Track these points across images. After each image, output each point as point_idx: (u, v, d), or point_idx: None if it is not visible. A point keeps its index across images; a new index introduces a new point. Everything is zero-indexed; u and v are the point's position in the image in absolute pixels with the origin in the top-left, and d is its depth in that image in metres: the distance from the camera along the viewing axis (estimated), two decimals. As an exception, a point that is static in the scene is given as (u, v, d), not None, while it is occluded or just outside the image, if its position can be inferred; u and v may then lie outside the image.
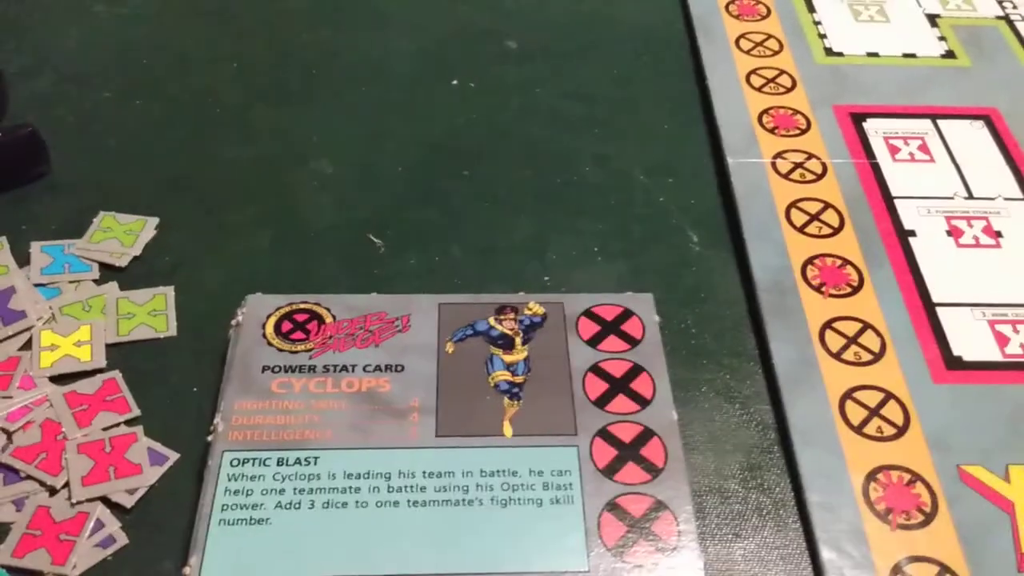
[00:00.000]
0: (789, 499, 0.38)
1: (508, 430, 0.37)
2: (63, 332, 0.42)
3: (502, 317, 0.41)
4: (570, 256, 0.47)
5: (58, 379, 0.41)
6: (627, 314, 0.41)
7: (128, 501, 0.37)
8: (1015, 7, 0.60)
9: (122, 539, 0.36)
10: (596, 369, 0.39)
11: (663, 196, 0.50)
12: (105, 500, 0.37)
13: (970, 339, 0.42)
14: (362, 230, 0.47)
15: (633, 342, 0.40)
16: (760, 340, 0.43)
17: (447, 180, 0.51)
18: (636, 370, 0.39)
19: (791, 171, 0.49)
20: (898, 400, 0.40)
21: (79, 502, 0.37)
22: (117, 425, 0.39)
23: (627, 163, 0.52)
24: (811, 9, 0.60)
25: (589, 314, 0.41)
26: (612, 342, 0.40)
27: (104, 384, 0.41)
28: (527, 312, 0.41)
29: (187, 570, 0.33)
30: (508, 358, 0.39)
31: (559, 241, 0.48)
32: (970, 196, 0.48)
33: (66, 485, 0.37)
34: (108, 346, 0.42)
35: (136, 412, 0.40)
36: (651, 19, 0.60)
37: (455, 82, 0.56)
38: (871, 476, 0.38)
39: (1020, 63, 0.56)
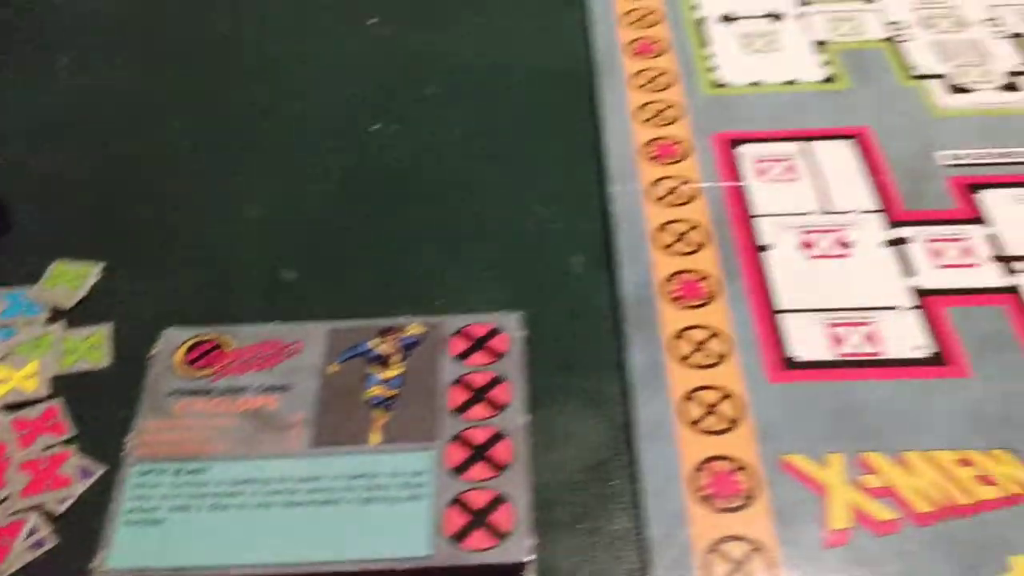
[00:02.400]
0: (628, 489, 0.43)
1: (375, 438, 0.42)
2: (16, 367, 0.49)
3: (384, 338, 0.46)
4: (465, 280, 0.52)
5: (9, 407, 0.48)
6: (495, 331, 0.47)
7: (58, 509, 0.43)
8: (903, 28, 0.64)
9: (51, 542, 0.42)
10: (461, 381, 0.44)
11: (553, 223, 0.55)
12: (39, 508, 0.43)
13: (807, 342, 0.47)
14: (277, 266, 0.54)
15: (498, 356, 0.45)
16: (621, 350, 0.48)
17: (360, 216, 0.57)
18: (497, 380, 0.44)
19: (664, 196, 0.54)
20: (733, 398, 0.45)
21: (17, 511, 0.43)
22: (55, 445, 0.46)
23: (524, 195, 0.57)
24: (705, 44, 0.65)
25: (461, 332, 0.47)
26: (479, 356, 0.45)
27: (46, 411, 0.47)
28: (407, 333, 0.47)
29: (94, 563, 0.39)
30: (384, 374, 0.45)
31: (456, 267, 0.53)
32: (827, 211, 0.53)
33: (8, 497, 0.44)
34: (53, 378, 0.49)
35: (72, 433, 0.46)
36: (558, 61, 0.66)
37: (378, 126, 0.62)
38: (700, 466, 0.42)
39: (897, 83, 0.60)
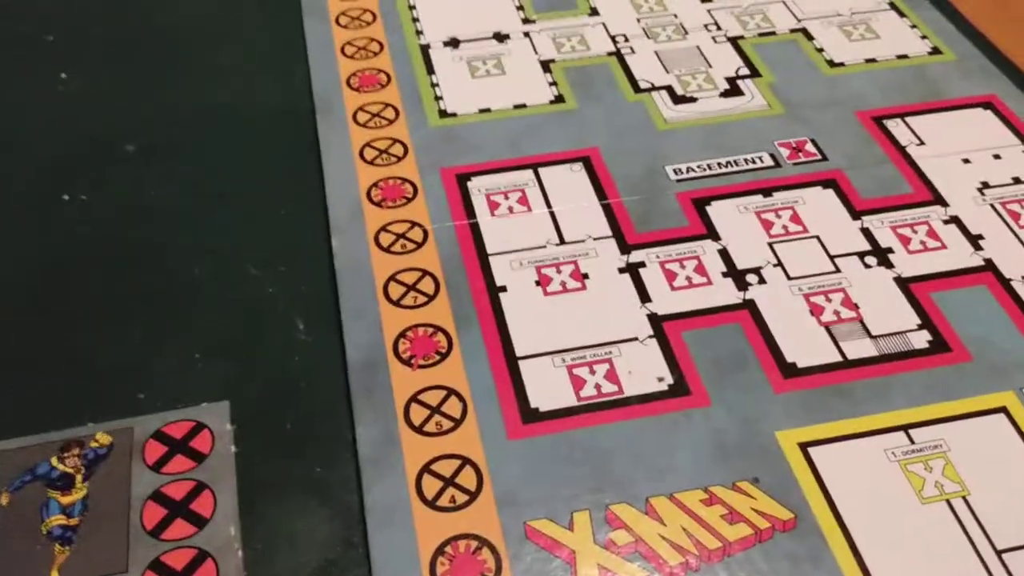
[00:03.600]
0: (364, 588, 0.38)
1: (54, 580, 0.36)
2: None
3: (65, 455, 0.39)
4: (173, 368, 0.46)
5: None
6: (198, 428, 0.41)
7: None
8: (627, 40, 0.63)
9: None
10: (157, 495, 0.38)
11: (272, 287, 0.50)
12: None
13: (548, 389, 0.44)
14: (-57, 378, 0.46)
15: (200, 458, 0.40)
16: (353, 425, 0.43)
17: (43, 307, 0.49)
18: (199, 488, 0.39)
19: (392, 243, 0.50)
20: (473, 464, 0.41)
21: None
22: None
23: (240, 257, 0.51)
24: (430, 71, 0.61)
25: (158, 435, 0.40)
26: (178, 462, 0.40)
27: None
28: (93, 445, 0.40)
29: None
30: (65, 499, 0.38)
31: (161, 352, 0.47)
32: (562, 242, 0.50)
33: None
34: None
35: None
36: (280, 103, 0.60)
37: (66, 196, 0.55)
38: (440, 550, 0.38)
39: (624, 98, 0.59)
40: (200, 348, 0.47)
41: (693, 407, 0.43)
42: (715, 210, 0.52)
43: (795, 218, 0.51)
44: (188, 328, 0.48)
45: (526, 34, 0.64)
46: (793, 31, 0.64)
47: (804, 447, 0.41)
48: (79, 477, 0.39)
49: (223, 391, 0.44)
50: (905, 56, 0.62)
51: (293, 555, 0.39)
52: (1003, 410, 0.43)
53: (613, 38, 0.64)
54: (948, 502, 0.40)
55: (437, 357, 0.45)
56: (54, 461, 0.39)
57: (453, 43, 0.63)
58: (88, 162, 0.57)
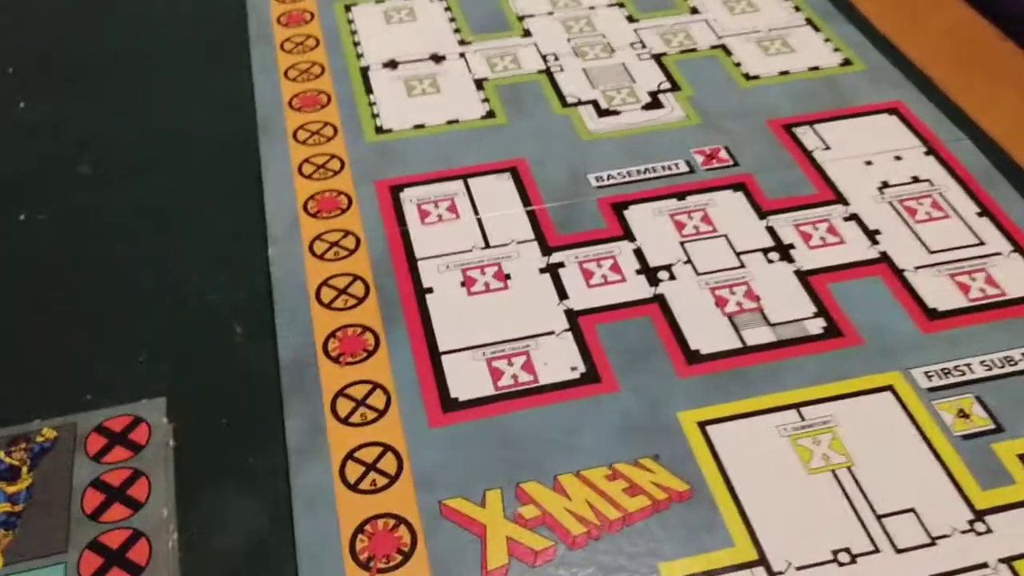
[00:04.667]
0: (290, 568, 0.41)
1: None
2: None
3: (12, 449, 0.42)
4: (118, 369, 0.49)
5: None
6: (137, 422, 0.44)
7: None
8: (557, 59, 0.67)
9: None
10: (96, 482, 0.41)
11: (213, 294, 0.53)
12: None
13: (468, 380, 0.47)
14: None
15: (138, 449, 0.42)
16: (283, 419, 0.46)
17: (5, 313, 0.52)
18: (135, 475, 0.41)
19: (326, 251, 0.53)
20: (394, 451, 0.44)
21: None
22: None
23: (183, 267, 0.54)
24: (368, 91, 0.65)
25: (100, 429, 0.43)
26: (117, 452, 0.42)
27: None
28: (39, 440, 0.43)
29: None
30: (11, 488, 0.41)
31: (107, 357, 0.49)
32: (487, 246, 0.53)
33: None
34: None
35: None
36: (227, 124, 0.64)
37: (23, 216, 0.58)
38: (360, 528, 0.41)
39: (552, 112, 0.63)
40: (143, 352, 0.50)
41: (602, 393, 0.46)
42: (632, 213, 0.55)
43: (706, 219, 0.55)
44: (134, 334, 0.51)
45: (462, 55, 0.68)
46: (713, 47, 0.68)
47: (702, 426, 0.44)
48: (24, 469, 0.42)
49: (163, 391, 0.47)
50: (817, 68, 0.65)
51: (225, 537, 0.42)
52: (890, 388, 0.46)
53: (544, 57, 0.67)
54: (834, 472, 0.43)
55: (364, 355, 0.48)
56: (1, 455, 0.42)
57: (392, 64, 0.67)
58: (44, 184, 0.60)
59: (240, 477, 0.44)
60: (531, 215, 0.55)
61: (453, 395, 0.46)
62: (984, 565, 0.39)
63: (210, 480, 0.44)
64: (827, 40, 0.68)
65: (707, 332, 0.48)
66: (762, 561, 0.40)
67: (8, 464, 0.42)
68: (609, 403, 0.46)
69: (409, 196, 0.57)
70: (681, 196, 0.56)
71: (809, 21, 0.70)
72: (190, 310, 0.52)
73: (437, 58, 0.67)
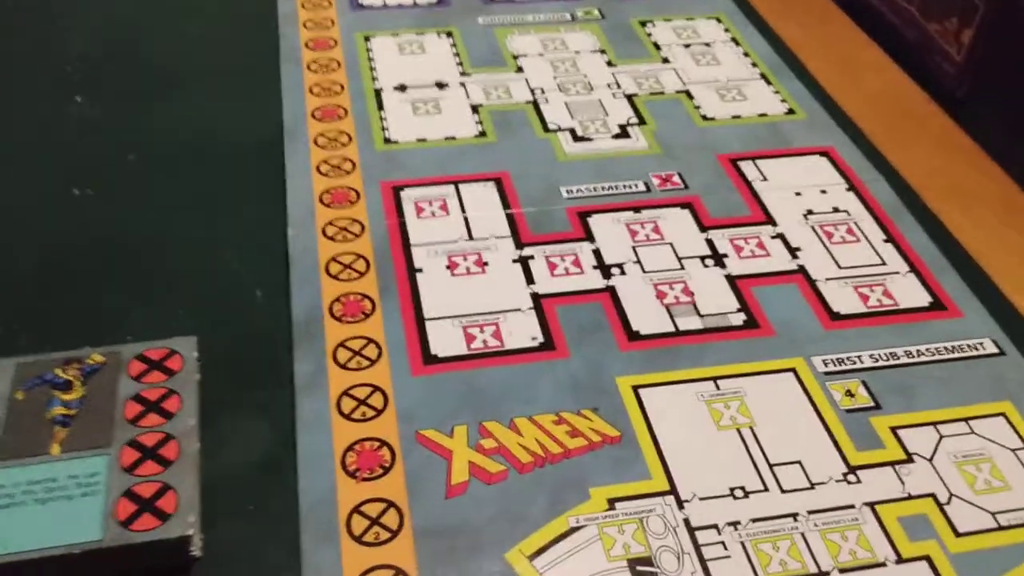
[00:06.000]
0: (292, 479, 0.50)
1: (56, 450, 0.47)
2: None
3: (67, 367, 0.51)
4: (156, 318, 0.58)
5: None
6: (171, 353, 0.53)
7: None
8: (543, 92, 0.78)
9: None
10: (136, 397, 0.50)
11: (240, 264, 0.62)
12: None
13: (446, 341, 0.56)
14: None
15: (171, 373, 0.52)
16: (292, 364, 0.55)
17: (66, 273, 0.62)
18: (169, 393, 0.51)
19: (336, 234, 0.63)
20: (382, 391, 0.53)
21: None
22: None
23: (217, 243, 0.64)
24: (380, 108, 0.75)
25: (141, 357, 0.53)
26: (154, 375, 0.52)
27: None
28: (89, 362, 0.52)
29: None
30: (66, 396, 0.50)
31: (150, 307, 0.59)
32: (470, 238, 0.64)
33: None
34: None
35: None
36: (257, 129, 0.73)
37: (76, 192, 0.68)
38: (350, 447, 0.50)
39: (535, 136, 0.73)
40: (181, 305, 0.59)
41: (556, 359, 0.56)
42: (594, 221, 0.65)
43: (656, 229, 0.65)
44: (174, 293, 0.60)
45: (462, 84, 0.78)
46: (679, 92, 0.79)
47: (636, 388, 0.54)
48: (77, 383, 0.51)
49: (195, 334, 0.56)
50: (765, 114, 0.76)
51: (240, 452, 0.51)
52: (793, 371, 0.56)
53: (532, 90, 0.78)
54: (738, 430, 0.52)
55: (362, 316, 0.58)
56: (58, 371, 0.51)
57: (401, 88, 0.77)
58: (96, 166, 0.70)
59: (254, 406, 0.53)
60: (510, 217, 0.65)
61: (433, 352, 0.56)
62: (851, 506, 0.49)
63: (228, 407, 0.53)
64: (776, 92, 0.79)
65: (647, 317, 0.58)
66: (672, 491, 0.49)
67: (64, 379, 0.51)
68: (561, 367, 0.55)
69: (408, 195, 0.67)
70: (637, 210, 0.66)
71: (763, 75, 0.81)
72: (221, 276, 0.62)
73: (441, 85, 0.78)
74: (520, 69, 0.81)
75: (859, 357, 0.57)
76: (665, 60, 0.82)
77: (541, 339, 0.57)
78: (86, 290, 0.61)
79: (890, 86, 0.82)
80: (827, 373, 0.55)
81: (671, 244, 0.64)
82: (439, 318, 0.58)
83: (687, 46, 0.84)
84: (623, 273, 0.61)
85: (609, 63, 0.82)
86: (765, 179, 0.70)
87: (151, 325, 0.58)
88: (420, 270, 0.61)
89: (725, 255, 0.63)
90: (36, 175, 0.70)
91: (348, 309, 0.58)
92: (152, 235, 0.65)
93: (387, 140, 0.72)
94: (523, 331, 0.57)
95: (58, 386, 0.51)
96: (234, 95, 0.78)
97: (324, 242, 0.63)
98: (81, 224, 0.65)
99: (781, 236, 0.65)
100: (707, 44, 0.85)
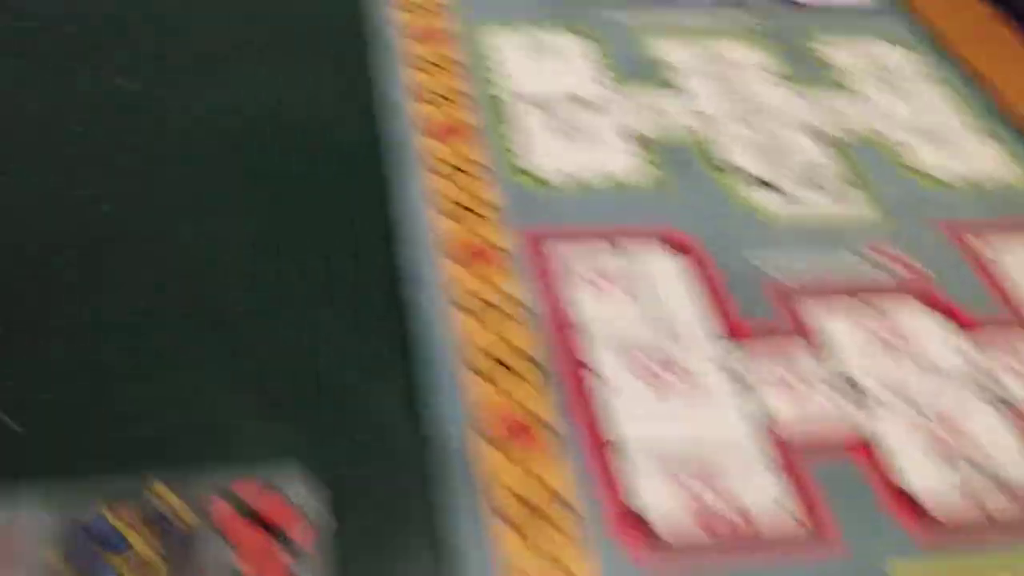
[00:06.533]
0: None
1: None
2: None
3: (118, 508, 0.34)
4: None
5: None
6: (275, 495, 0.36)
7: None
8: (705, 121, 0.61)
9: None
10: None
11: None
12: None
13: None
14: None
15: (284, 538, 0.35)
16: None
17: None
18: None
19: (478, 310, 0.46)
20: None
21: None
22: None
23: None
24: (511, 128, 0.58)
25: (229, 496, 0.35)
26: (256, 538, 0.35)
27: None
28: (155, 502, 0.35)
29: None
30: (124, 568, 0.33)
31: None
32: (666, 334, 0.47)
33: None
34: None
35: None
36: (349, 142, 0.56)
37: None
38: None
39: (707, 173, 0.57)
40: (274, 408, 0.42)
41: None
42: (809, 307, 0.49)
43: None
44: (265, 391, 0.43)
45: (614, 104, 0.61)
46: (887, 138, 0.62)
47: None
48: (141, 542, 0.34)
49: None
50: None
51: None
52: None
53: (696, 114, 0.61)
54: None
55: (535, 450, 0.41)
56: (108, 515, 0.34)
57: (538, 105, 0.60)
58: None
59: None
60: (710, 303, 0.49)
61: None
62: None
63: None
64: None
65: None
66: None
67: (119, 532, 0.34)
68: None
69: (568, 257, 0.50)
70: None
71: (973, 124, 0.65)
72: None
73: (585, 102, 0.61)
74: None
75: None
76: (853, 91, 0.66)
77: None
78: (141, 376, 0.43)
79: None
80: None
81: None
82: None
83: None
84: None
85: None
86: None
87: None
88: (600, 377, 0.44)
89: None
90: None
91: (513, 431, 0.41)
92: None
93: (534, 176, 0.55)
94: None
95: (112, 545, 0.34)
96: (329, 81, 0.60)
97: (462, 317, 0.46)
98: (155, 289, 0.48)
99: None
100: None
